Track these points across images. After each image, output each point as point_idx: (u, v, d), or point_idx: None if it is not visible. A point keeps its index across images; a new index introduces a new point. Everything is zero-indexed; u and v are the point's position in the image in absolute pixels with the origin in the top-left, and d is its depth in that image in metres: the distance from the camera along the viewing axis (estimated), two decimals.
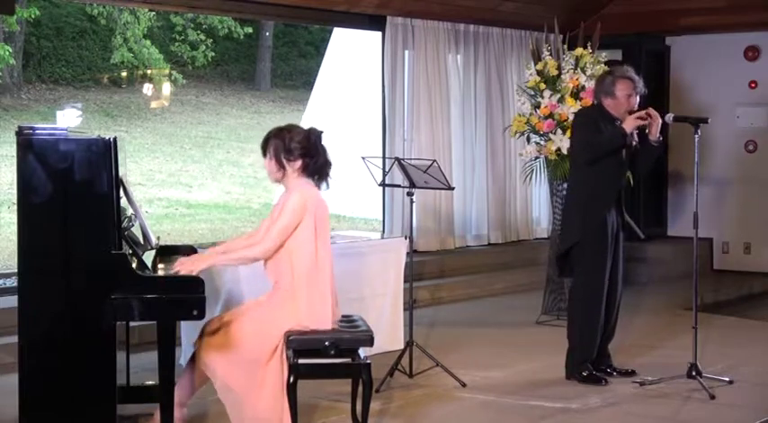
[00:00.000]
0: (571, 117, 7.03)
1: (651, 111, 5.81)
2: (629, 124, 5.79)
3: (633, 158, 5.99)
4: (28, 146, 4.29)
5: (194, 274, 4.48)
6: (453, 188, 6.59)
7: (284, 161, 4.68)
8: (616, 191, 5.96)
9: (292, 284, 4.65)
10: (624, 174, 6.03)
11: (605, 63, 7.70)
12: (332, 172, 4.80)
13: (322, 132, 4.80)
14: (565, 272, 6.22)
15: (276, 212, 4.67)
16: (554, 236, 7.87)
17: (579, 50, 7.63)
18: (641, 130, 5.94)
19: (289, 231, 4.61)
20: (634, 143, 5.97)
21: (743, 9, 9.72)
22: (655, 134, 5.84)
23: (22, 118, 16.30)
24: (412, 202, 6.11)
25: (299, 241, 4.64)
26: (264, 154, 4.76)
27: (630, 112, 5.83)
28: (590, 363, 5.99)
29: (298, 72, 22.41)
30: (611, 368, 6.10)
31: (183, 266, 4.56)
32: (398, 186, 6.61)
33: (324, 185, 4.79)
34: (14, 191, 4.39)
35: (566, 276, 6.44)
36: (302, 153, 4.68)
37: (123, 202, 4.53)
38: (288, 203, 4.62)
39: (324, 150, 4.76)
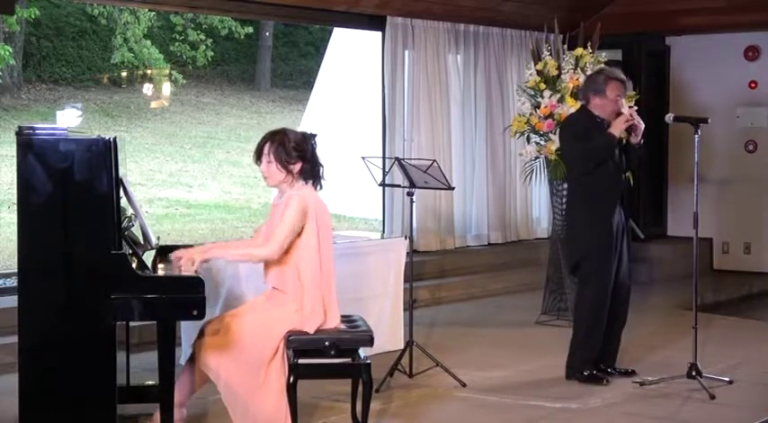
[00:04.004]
0: None
1: (634, 115, 5.89)
2: (617, 128, 5.84)
3: (622, 155, 6.03)
4: (28, 146, 4.29)
5: (196, 265, 4.50)
6: (453, 188, 6.59)
7: (286, 163, 4.67)
8: (619, 191, 5.96)
9: (300, 292, 4.64)
10: (622, 173, 6.04)
11: (605, 63, 7.70)
12: (324, 172, 4.80)
13: (316, 135, 4.80)
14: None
15: (278, 217, 4.65)
16: (554, 236, 7.88)
17: (579, 50, 7.63)
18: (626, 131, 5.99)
19: (294, 234, 4.60)
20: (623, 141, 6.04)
21: (743, 9, 9.71)
22: (636, 138, 5.91)
23: (22, 118, 16.31)
24: (412, 202, 6.11)
25: (304, 250, 4.63)
26: (259, 158, 4.72)
27: (617, 114, 5.87)
28: (592, 362, 5.99)
29: (298, 72, 22.42)
30: (612, 368, 6.10)
31: (183, 258, 4.56)
32: (398, 186, 6.61)
33: (319, 187, 4.79)
34: (14, 191, 4.39)
35: None
36: (300, 155, 4.67)
37: (123, 202, 4.53)
38: (290, 207, 4.60)
39: (317, 154, 4.76)
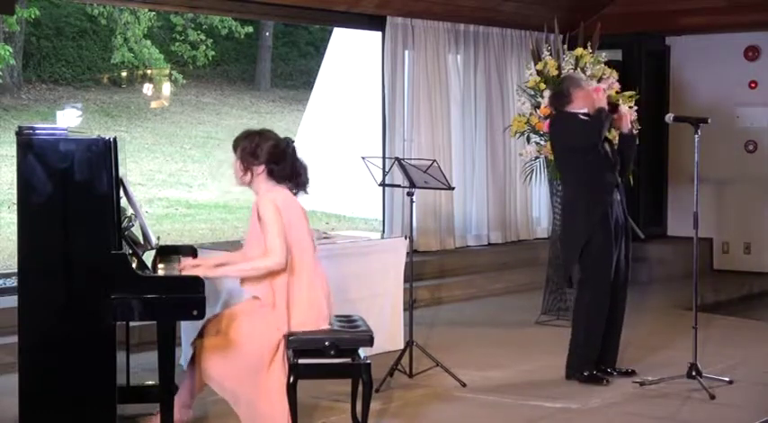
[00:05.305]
0: None
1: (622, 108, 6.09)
2: (601, 99, 5.93)
3: (620, 153, 6.06)
4: (28, 146, 4.29)
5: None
6: (453, 188, 6.59)
7: (248, 164, 4.66)
8: (610, 186, 5.95)
9: (273, 298, 4.62)
10: (613, 168, 6.00)
11: (605, 63, 7.71)
12: (308, 178, 4.77)
13: (293, 142, 4.79)
14: (573, 283, 6.13)
15: (254, 224, 4.63)
16: (554, 237, 7.87)
17: (579, 50, 7.63)
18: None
19: (283, 233, 4.57)
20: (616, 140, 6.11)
21: (743, 9, 9.71)
22: (625, 126, 6.03)
23: (22, 118, 16.32)
24: (412, 202, 6.11)
25: None
26: (235, 152, 4.75)
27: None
28: (592, 362, 5.99)
29: (298, 72, 22.43)
30: (612, 368, 6.10)
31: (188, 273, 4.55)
32: (398, 186, 6.61)
33: (302, 192, 4.76)
34: (14, 191, 4.39)
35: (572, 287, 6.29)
36: (267, 159, 4.65)
37: (123, 202, 4.54)
38: (264, 213, 4.57)
39: (293, 158, 4.72)
